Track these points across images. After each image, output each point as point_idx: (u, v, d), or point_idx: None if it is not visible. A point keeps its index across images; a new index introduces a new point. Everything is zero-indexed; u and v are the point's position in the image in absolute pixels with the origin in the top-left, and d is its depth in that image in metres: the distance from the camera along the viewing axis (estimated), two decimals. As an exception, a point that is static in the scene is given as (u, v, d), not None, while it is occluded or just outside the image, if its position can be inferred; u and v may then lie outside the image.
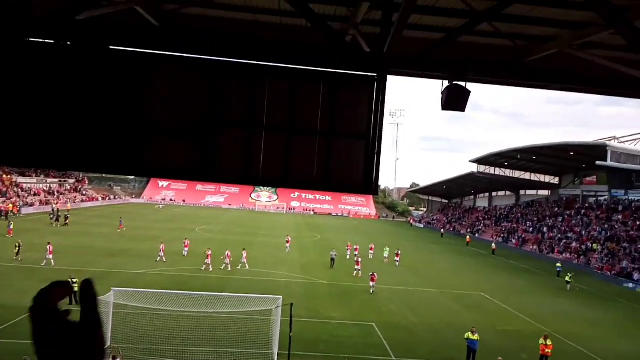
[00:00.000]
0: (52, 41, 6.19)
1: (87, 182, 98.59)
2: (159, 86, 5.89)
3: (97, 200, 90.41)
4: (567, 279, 36.95)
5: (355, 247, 43.37)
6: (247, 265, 34.31)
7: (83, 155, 6.03)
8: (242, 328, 18.88)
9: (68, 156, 6.03)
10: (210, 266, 32.57)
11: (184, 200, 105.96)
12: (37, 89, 5.92)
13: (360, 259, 36.82)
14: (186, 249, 37.35)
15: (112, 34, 6.46)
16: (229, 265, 33.13)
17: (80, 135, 5.96)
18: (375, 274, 30.39)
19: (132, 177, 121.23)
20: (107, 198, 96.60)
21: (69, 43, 6.20)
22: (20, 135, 5.94)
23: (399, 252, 42.06)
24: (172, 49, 6.05)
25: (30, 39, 6.15)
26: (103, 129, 5.95)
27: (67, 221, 53.42)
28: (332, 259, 37.57)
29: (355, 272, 34.57)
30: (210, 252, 33.36)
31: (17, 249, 31.83)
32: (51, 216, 55.56)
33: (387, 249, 43.02)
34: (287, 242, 45.44)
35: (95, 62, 6.04)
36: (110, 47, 6.20)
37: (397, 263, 41.01)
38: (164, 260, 34.22)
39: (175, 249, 40.66)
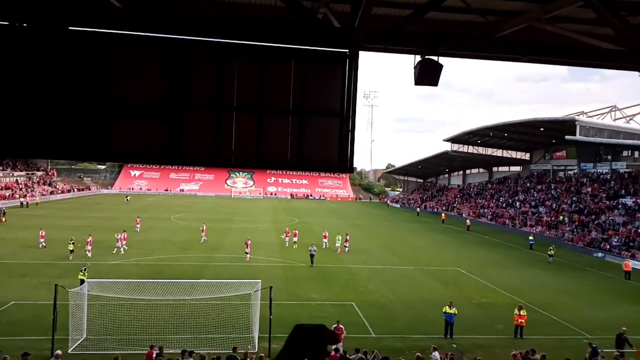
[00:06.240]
0: (7, 23, 5.86)
1: (55, 174, 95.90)
2: (121, 67, 5.65)
3: (70, 192, 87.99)
4: (549, 252, 37.96)
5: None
6: (125, 247, 33.82)
7: (47, 141, 5.77)
8: (221, 314, 18.81)
9: (32, 142, 5.76)
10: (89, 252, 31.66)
11: (154, 189, 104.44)
12: (-7, 74, 5.61)
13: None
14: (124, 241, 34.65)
15: (71, 14, 6.13)
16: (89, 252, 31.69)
17: (42, 121, 5.69)
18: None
19: (103, 167, 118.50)
20: (81, 190, 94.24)
21: (25, 25, 5.88)
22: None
23: (348, 237, 38.89)
24: (134, 29, 5.79)
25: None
26: (66, 113, 5.69)
27: (4, 217, 48.30)
28: (312, 255, 32.07)
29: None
30: (90, 239, 32.35)
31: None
32: None
33: (339, 237, 38.56)
34: (203, 231, 40.61)
35: (54, 44, 5.75)
36: (70, 27, 5.91)
37: (347, 249, 37.82)
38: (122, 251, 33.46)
39: (151, 238, 40.16)
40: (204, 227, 41.18)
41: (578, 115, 61.65)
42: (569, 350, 17.17)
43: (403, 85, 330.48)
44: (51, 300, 15.95)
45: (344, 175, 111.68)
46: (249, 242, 33.59)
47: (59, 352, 13.68)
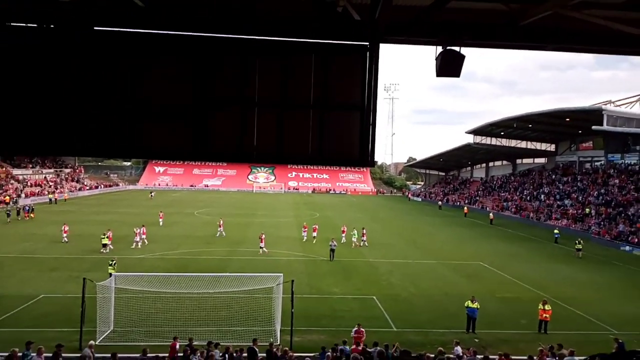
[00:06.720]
0: (35, 25, 6.00)
1: (83, 171, 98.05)
2: (145, 66, 5.74)
3: (97, 188, 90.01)
4: (576, 246, 37.15)
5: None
6: (146, 241, 34.71)
7: (75, 140, 5.90)
8: (244, 307, 19.02)
9: (60, 141, 5.91)
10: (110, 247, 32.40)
11: (179, 185, 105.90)
12: (24, 75, 5.76)
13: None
14: (144, 235, 35.29)
15: (97, 14, 6.25)
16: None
17: (70, 119, 5.83)
18: None
19: (128, 163, 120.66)
20: (108, 186, 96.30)
21: (52, 26, 6.02)
22: (10, 123, 5.80)
23: (365, 232, 38.79)
24: (156, 27, 5.87)
25: (12, 24, 5.96)
26: (94, 112, 5.81)
27: (32, 214, 48.86)
28: (332, 250, 32.00)
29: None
30: (110, 233, 33.02)
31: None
32: (8, 212, 47.09)
33: (355, 231, 38.11)
34: (220, 225, 40.68)
35: (80, 44, 5.87)
36: (95, 28, 6.02)
37: (365, 243, 37.70)
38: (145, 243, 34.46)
39: (175, 233, 40.80)
40: (221, 221, 41.43)
41: (605, 104, 59.90)
42: (595, 345, 16.81)
43: (423, 76, 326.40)
44: (80, 293, 16.39)
45: (364, 169, 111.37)
46: (263, 236, 33.73)
47: (92, 342, 14.06)
